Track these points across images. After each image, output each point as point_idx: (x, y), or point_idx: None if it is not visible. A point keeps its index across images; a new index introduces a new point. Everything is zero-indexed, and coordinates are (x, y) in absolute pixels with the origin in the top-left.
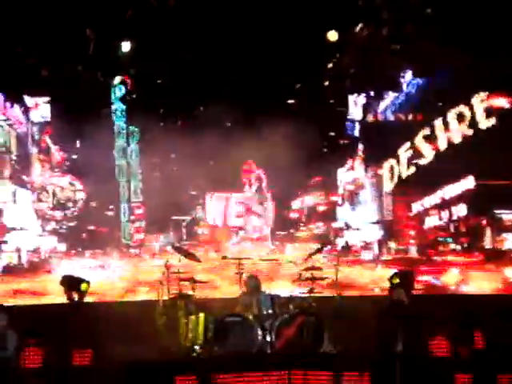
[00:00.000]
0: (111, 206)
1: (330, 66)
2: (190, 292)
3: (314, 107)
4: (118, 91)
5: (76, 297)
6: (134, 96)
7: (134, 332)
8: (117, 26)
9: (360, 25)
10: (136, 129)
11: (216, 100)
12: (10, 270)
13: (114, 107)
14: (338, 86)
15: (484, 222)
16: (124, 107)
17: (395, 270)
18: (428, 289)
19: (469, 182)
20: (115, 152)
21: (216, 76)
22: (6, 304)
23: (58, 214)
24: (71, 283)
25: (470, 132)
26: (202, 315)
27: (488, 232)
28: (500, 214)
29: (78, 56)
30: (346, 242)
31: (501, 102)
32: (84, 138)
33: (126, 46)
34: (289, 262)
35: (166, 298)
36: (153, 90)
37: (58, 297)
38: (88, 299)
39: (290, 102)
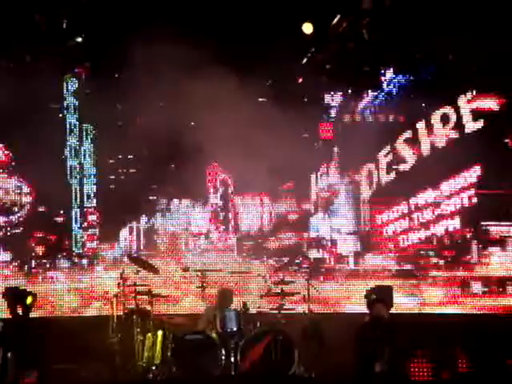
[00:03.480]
0: (61, 212)
1: (305, 61)
2: (148, 307)
3: (286, 106)
4: (71, 85)
5: (20, 311)
6: (88, 91)
7: (86, 351)
8: (71, 11)
9: (338, 16)
10: (90, 126)
11: (177, 98)
12: None
13: (65, 103)
14: (313, 83)
15: (469, 234)
16: (77, 103)
17: (372, 286)
18: (406, 306)
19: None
20: (67, 152)
21: (177, 71)
22: None
23: (2, 220)
24: (15, 296)
25: (455, 135)
26: (160, 332)
27: (474, 245)
28: (487, 225)
29: (27, 44)
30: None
31: (489, 103)
32: (31, 135)
33: (80, 36)
34: (257, 276)
35: (120, 313)
36: (109, 84)
37: None
38: (34, 314)
39: (260, 100)
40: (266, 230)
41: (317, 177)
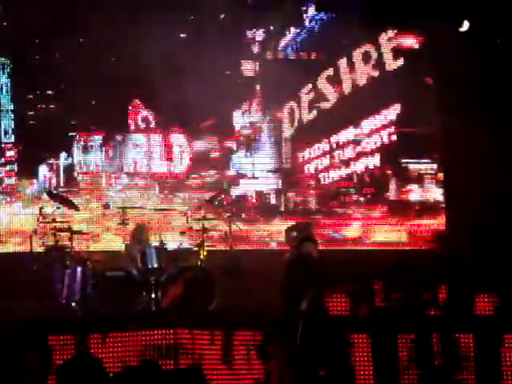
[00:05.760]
0: None
1: None
2: (67, 243)
3: (207, 42)
4: None
5: None
6: (5, 23)
7: (3, 288)
8: None
9: None
10: (7, 60)
11: (97, 31)
12: None
13: None
14: (235, 19)
15: (389, 172)
16: None
17: (292, 223)
18: (327, 242)
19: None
20: None
21: (97, 4)
22: None
23: None
24: None
25: (376, 73)
26: (79, 269)
27: (393, 183)
28: (406, 163)
29: None
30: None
31: (409, 41)
32: None
33: None
34: (179, 213)
35: (39, 249)
36: (26, 17)
37: None
38: None
39: (182, 35)
40: (188, 168)
41: (239, 114)
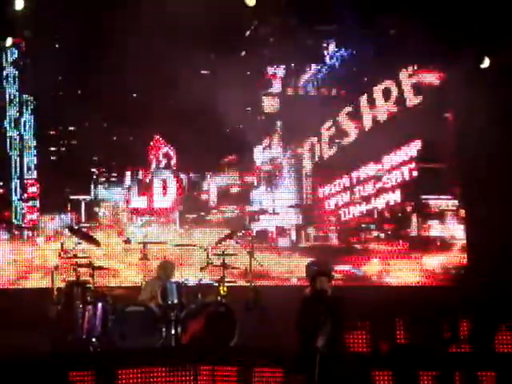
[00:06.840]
0: (0, 183)
1: (248, 33)
2: (89, 279)
3: (228, 79)
4: (10, 55)
5: None
6: (28, 61)
7: (25, 323)
8: None
9: None
10: (30, 97)
11: (120, 69)
12: None
13: (5, 73)
14: (256, 56)
15: (409, 208)
16: (16, 73)
17: (312, 259)
18: (348, 279)
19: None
20: (6, 123)
21: (120, 41)
22: None
23: None
24: None
25: (396, 109)
26: (100, 304)
27: (414, 219)
28: (426, 199)
29: None
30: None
31: (429, 77)
32: None
33: (19, 4)
34: (199, 248)
35: (61, 285)
36: (50, 54)
37: None
38: None
39: (203, 72)
40: (209, 203)
41: (259, 150)
